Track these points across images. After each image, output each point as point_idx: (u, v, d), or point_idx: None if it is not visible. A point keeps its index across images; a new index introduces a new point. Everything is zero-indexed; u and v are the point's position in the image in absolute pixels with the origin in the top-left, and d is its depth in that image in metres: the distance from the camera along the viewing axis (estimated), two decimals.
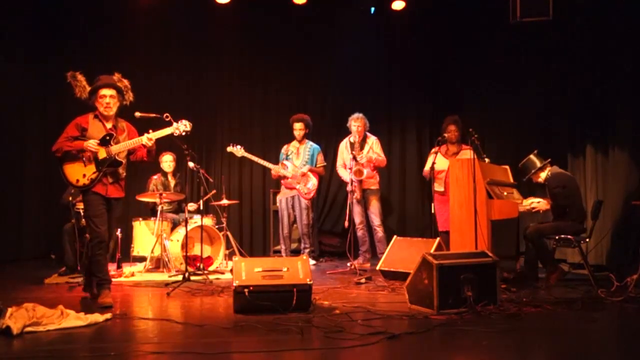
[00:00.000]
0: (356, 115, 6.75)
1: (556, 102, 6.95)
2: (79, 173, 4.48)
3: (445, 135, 6.19)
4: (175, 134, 4.77)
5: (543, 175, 5.44)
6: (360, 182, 6.62)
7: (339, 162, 6.88)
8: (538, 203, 5.35)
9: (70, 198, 5.92)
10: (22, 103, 7.45)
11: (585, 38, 6.51)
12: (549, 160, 5.46)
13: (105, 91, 4.55)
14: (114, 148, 4.51)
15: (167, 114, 4.85)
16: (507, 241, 6.11)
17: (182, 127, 4.79)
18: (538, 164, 5.41)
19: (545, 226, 5.32)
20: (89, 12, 7.68)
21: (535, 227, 5.33)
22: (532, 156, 5.47)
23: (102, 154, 4.49)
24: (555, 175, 5.39)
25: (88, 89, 4.59)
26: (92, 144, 4.45)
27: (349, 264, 6.31)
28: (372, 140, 6.79)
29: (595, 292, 4.62)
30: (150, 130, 4.67)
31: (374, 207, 6.68)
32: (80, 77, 4.64)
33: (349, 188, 6.59)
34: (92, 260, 4.53)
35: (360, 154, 6.64)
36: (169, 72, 8.09)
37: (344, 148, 6.83)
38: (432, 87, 8.26)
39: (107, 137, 4.51)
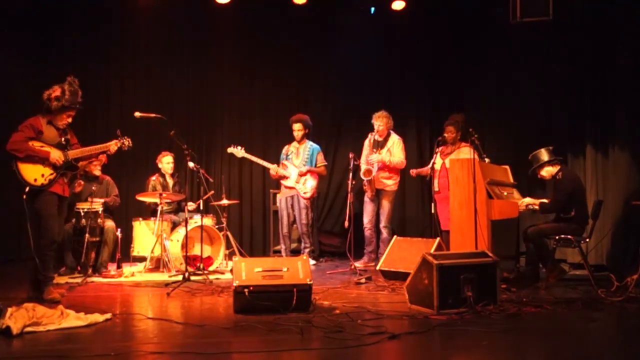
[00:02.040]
0: (379, 113, 6.67)
1: (556, 102, 6.95)
2: (36, 172, 4.56)
3: (444, 135, 6.21)
4: (117, 146, 4.99)
5: (550, 171, 5.37)
6: (370, 181, 6.60)
7: (362, 160, 6.73)
8: (529, 205, 5.33)
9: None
10: (22, 103, 7.43)
11: (585, 38, 6.52)
12: (559, 158, 5.41)
13: (72, 112, 4.71)
14: (71, 153, 4.70)
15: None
16: (507, 241, 6.13)
17: (126, 142, 5.05)
18: (545, 157, 5.35)
19: (545, 226, 5.31)
20: (89, 12, 7.67)
21: (535, 226, 5.33)
22: (543, 149, 5.39)
23: (53, 155, 4.63)
24: (567, 179, 5.28)
25: (56, 94, 4.60)
26: (58, 158, 4.60)
27: (356, 264, 6.29)
28: (394, 141, 6.69)
29: (595, 292, 4.62)
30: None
31: (384, 208, 6.65)
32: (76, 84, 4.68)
33: (364, 188, 6.61)
34: (41, 260, 4.53)
35: (372, 154, 6.61)
36: (169, 72, 8.09)
37: (366, 145, 6.76)
38: (432, 87, 8.26)
39: (64, 142, 4.68)
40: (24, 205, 4.53)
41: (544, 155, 5.38)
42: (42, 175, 4.56)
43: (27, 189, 4.53)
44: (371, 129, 6.75)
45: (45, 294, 4.52)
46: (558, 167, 5.37)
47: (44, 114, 4.65)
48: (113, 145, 4.95)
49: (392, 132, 6.75)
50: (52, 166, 4.59)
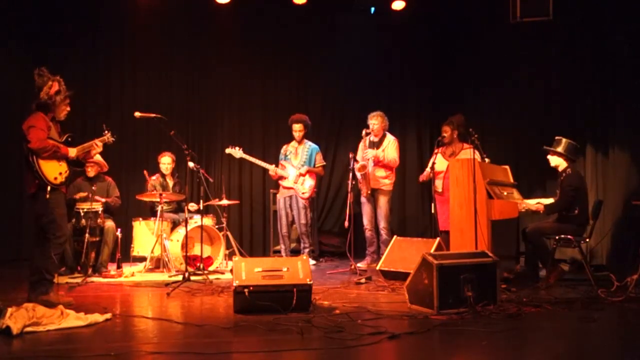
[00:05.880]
0: (374, 112, 6.69)
1: (556, 102, 6.96)
2: (55, 171, 4.46)
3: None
4: (107, 142, 4.93)
5: (560, 162, 5.35)
6: (365, 177, 6.58)
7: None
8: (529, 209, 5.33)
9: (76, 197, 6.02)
10: (21, 103, 7.43)
11: (585, 38, 6.52)
12: (574, 159, 5.38)
13: (69, 99, 4.63)
14: (77, 149, 4.64)
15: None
16: (507, 241, 6.13)
17: (110, 137, 4.94)
18: (559, 149, 5.32)
19: (545, 226, 5.31)
20: (90, 12, 7.67)
21: (535, 226, 5.33)
22: (570, 142, 5.34)
23: (72, 153, 4.60)
24: (574, 175, 5.30)
25: (56, 89, 4.51)
26: (75, 155, 4.58)
27: (359, 265, 6.28)
28: (390, 141, 6.70)
29: (595, 292, 4.62)
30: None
31: (381, 208, 6.65)
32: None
33: (359, 186, 6.59)
34: (52, 260, 4.45)
35: (365, 151, 6.60)
36: (168, 72, 8.08)
37: (361, 147, 6.71)
38: (432, 87, 8.26)
39: (69, 139, 4.61)
40: (34, 204, 4.41)
41: (566, 148, 5.33)
42: (60, 174, 4.49)
43: (34, 189, 4.38)
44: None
45: (55, 296, 4.37)
46: (567, 164, 5.38)
47: (46, 111, 4.53)
48: (108, 136, 4.89)
49: (387, 132, 6.76)
50: (67, 164, 4.54)
